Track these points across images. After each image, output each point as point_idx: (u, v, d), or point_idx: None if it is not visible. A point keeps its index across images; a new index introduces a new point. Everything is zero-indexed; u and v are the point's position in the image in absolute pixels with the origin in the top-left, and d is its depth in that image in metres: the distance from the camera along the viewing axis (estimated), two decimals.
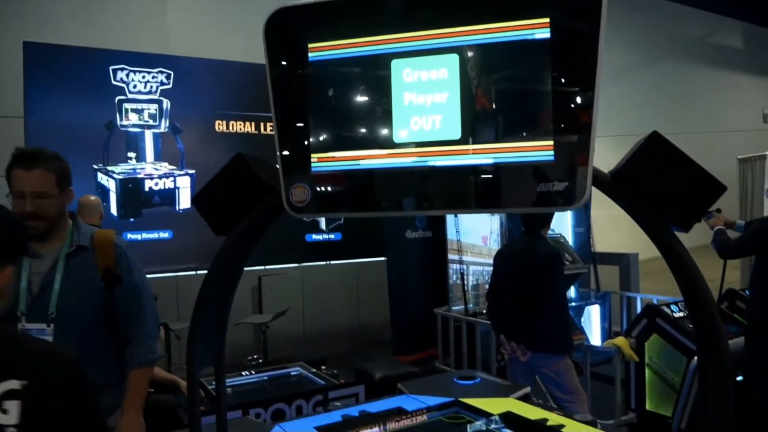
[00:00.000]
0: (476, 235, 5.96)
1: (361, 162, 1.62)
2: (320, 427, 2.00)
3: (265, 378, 4.19)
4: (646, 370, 3.91)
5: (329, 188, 1.64)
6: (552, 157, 1.48)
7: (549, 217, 3.30)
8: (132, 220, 5.77)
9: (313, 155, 1.66)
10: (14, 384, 1.20)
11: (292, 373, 4.29)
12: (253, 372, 4.27)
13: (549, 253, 3.18)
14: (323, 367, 4.31)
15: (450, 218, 5.79)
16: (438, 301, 5.97)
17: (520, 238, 3.49)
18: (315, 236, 6.74)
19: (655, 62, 11.54)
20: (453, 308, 5.70)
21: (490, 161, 1.55)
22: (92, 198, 4.33)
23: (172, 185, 5.98)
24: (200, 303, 1.79)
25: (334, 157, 1.66)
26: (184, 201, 5.96)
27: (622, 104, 10.12)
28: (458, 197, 1.59)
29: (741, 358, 3.23)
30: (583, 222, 6.90)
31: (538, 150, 1.50)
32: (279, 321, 5.54)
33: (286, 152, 1.68)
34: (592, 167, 1.46)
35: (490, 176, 1.55)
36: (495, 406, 2.16)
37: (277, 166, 1.65)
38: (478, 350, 5.07)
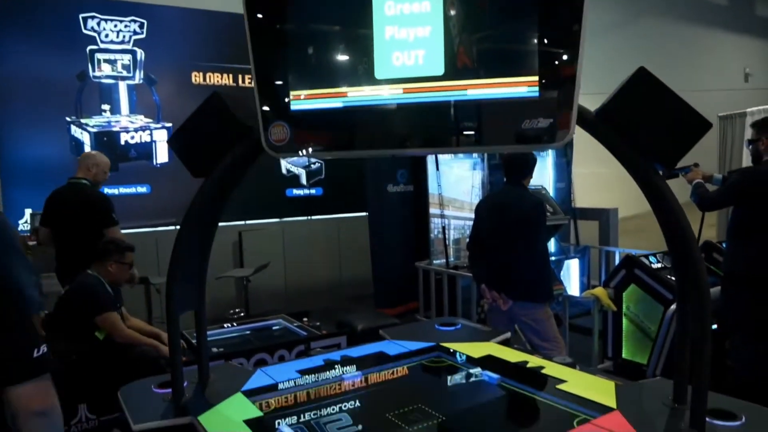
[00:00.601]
0: (458, 190, 5.94)
1: (341, 99, 1.57)
2: (302, 370, 2.00)
3: (247, 330, 4.20)
4: (623, 320, 3.99)
5: (308, 126, 1.60)
6: (537, 94, 1.45)
7: (530, 167, 3.27)
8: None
9: (291, 92, 1.61)
10: None
11: (275, 325, 4.30)
12: (235, 324, 4.27)
13: (531, 203, 3.18)
14: (305, 320, 4.33)
15: (432, 172, 5.75)
16: (419, 255, 5.98)
17: (502, 189, 3.48)
18: (296, 191, 6.68)
19: (635, 20, 11.41)
20: (434, 262, 5.73)
21: (474, 97, 1.52)
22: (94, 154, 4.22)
23: (148, 139, 5.84)
24: (179, 246, 1.76)
25: (313, 94, 1.60)
26: (162, 155, 5.84)
27: (601, 63, 10.02)
28: (441, 135, 1.56)
29: (716, 307, 3.31)
30: (565, 177, 6.92)
31: (523, 86, 1.47)
32: (260, 276, 5.52)
33: (263, 90, 1.62)
34: (577, 104, 1.44)
35: (474, 113, 1.52)
36: (476, 350, 2.18)
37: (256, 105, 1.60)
38: (458, 303, 5.12)
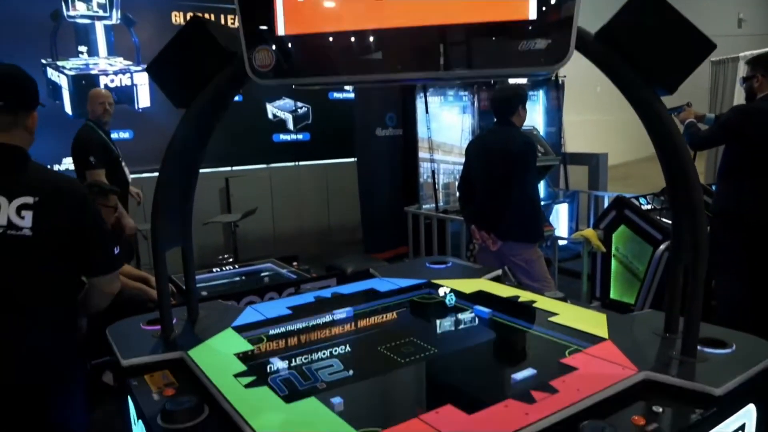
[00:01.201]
0: (447, 134, 5.87)
1: (329, 21, 1.49)
2: (293, 306, 1.99)
3: (236, 274, 4.17)
4: (612, 261, 4.02)
5: (294, 50, 1.52)
6: (534, 14, 1.38)
7: (519, 101, 3.19)
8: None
9: (276, 14, 1.52)
10: (28, 199, 1.72)
11: (264, 270, 4.28)
12: (223, 269, 4.24)
13: (521, 141, 3.13)
14: (295, 264, 4.31)
15: (421, 115, 5.66)
16: (409, 199, 5.96)
17: (492, 128, 3.42)
18: (283, 137, 6.57)
19: None
20: (424, 207, 5.71)
21: (469, 18, 1.44)
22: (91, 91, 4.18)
23: (129, 82, 5.67)
24: (162, 179, 1.70)
25: (299, 16, 1.52)
26: (143, 99, 5.68)
27: (589, 7, 9.82)
28: (433, 58, 1.48)
29: None
30: (555, 122, 6.86)
31: (520, 5, 1.39)
32: (249, 222, 5.48)
33: (247, 12, 1.53)
34: (576, 24, 1.37)
35: (469, 35, 1.44)
36: (467, 286, 2.17)
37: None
38: (448, 247, 5.13)
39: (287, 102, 6.50)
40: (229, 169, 6.15)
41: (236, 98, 6.15)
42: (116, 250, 2.01)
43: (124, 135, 5.63)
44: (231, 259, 5.15)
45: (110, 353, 1.74)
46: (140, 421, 1.42)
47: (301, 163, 6.73)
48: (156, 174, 1.69)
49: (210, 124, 1.75)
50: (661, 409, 1.27)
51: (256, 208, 5.45)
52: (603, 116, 11.60)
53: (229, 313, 1.96)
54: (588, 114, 10.88)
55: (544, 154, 5.32)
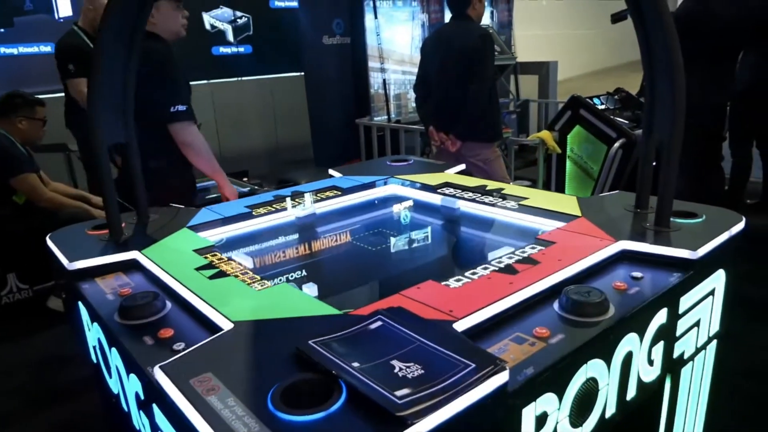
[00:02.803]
0: (398, 42, 5.64)
1: None
2: (251, 204, 1.87)
3: None
4: (567, 162, 4.04)
5: None
6: None
7: None
8: (2, 30, 4.97)
9: None
10: None
11: (213, 185, 4.09)
12: None
13: (478, 34, 3.00)
14: (245, 179, 4.16)
15: (370, 21, 5.40)
16: (359, 111, 5.78)
17: (448, 23, 3.26)
18: (222, 49, 6.18)
19: None
20: (375, 118, 5.56)
21: None
22: None
23: None
24: (97, 64, 1.51)
25: None
26: (64, 8, 5.16)
27: None
28: None
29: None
30: (506, 32, 6.73)
31: None
32: None
33: None
34: None
35: None
36: (432, 179, 2.10)
37: None
38: None
39: (225, 11, 6.07)
40: None
41: None
42: None
43: (45, 49, 5.14)
44: None
45: (57, 274, 1.59)
46: (95, 324, 1.30)
47: (245, 78, 6.38)
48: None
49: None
50: (640, 275, 1.26)
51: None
52: (551, 30, 11.48)
53: (182, 215, 1.83)
54: (538, 28, 10.74)
55: (500, 53, 5.20)
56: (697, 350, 1.44)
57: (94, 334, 1.34)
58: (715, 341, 1.52)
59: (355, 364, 0.84)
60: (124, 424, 1.23)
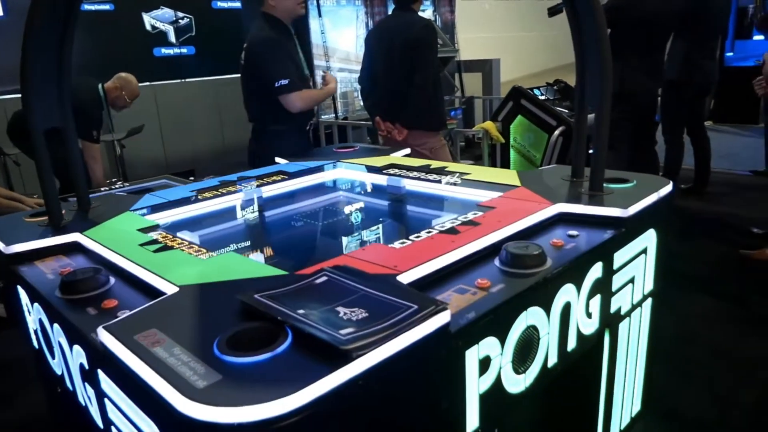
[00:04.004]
0: (342, 39, 5.67)
1: None
2: (197, 189, 1.85)
3: (129, 192, 3.88)
4: (511, 151, 4.16)
5: None
6: None
7: None
8: None
9: None
10: None
11: (159, 186, 4.00)
12: (112, 188, 3.93)
13: (421, 24, 3.06)
14: (192, 178, 4.10)
15: (314, 18, 5.41)
16: None
17: (391, 15, 3.31)
18: (165, 51, 6.06)
19: None
20: (323, 116, 5.57)
21: None
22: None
23: None
24: (28, 45, 1.47)
25: None
26: None
27: None
28: None
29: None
30: (450, 30, 6.85)
31: None
32: (136, 144, 5.09)
33: None
34: None
35: None
36: (378, 162, 2.14)
37: None
38: None
39: (166, 12, 5.96)
40: None
41: (107, 7, 5.55)
42: None
43: None
44: (121, 181, 4.79)
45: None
46: (36, 304, 1.27)
47: (188, 79, 6.28)
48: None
49: None
50: (576, 233, 1.32)
51: (142, 125, 5.06)
52: (495, 33, 11.76)
53: (125, 200, 1.80)
54: (481, 32, 10.98)
55: (443, 46, 5.30)
56: (633, 306, 1.51)
57: (35, 316, 1.30)
58: (650, 299, 1.61)
59: (301, 311, 0.86)
60: (71, 412, 1.20)
